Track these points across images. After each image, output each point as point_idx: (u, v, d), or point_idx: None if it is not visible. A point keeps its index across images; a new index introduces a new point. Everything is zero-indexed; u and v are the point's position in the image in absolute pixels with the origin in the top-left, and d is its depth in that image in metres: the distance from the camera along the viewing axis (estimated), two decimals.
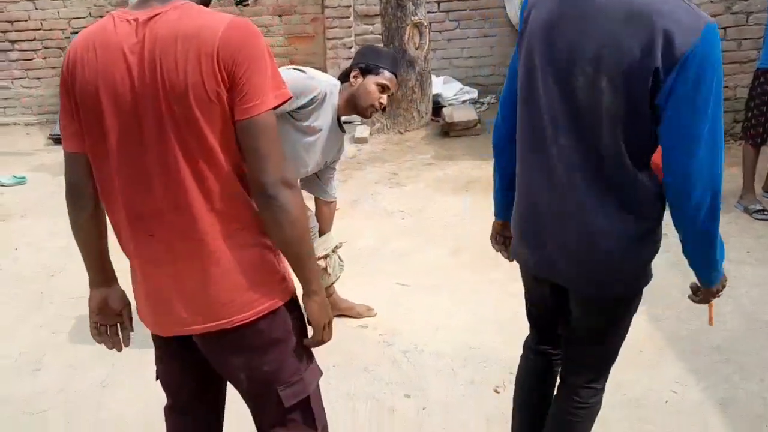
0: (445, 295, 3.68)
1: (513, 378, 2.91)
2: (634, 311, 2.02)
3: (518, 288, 3.70)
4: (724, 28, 5.35)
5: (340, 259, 3.40)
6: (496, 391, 2.87)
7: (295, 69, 2.88)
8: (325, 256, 3.30)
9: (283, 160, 1.52)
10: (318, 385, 1.78)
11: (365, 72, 2.96)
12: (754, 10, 5.33)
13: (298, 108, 2.82)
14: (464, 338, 3.25)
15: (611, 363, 2.09)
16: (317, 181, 3.28)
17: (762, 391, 2.80)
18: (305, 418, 1.74)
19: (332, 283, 3.39)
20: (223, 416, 1.93)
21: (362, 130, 6.52)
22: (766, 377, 2.88)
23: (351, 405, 2.78)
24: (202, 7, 1.55)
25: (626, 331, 2.07)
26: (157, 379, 1.85)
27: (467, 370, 3.01)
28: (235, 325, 1.59)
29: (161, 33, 1.46)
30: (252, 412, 1.78)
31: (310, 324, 1.70)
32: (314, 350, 2.91)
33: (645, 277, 1.96)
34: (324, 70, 7.64)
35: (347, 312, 3.46)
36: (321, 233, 3.35)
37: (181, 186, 1.51)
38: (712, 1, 5.32)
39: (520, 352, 3.10)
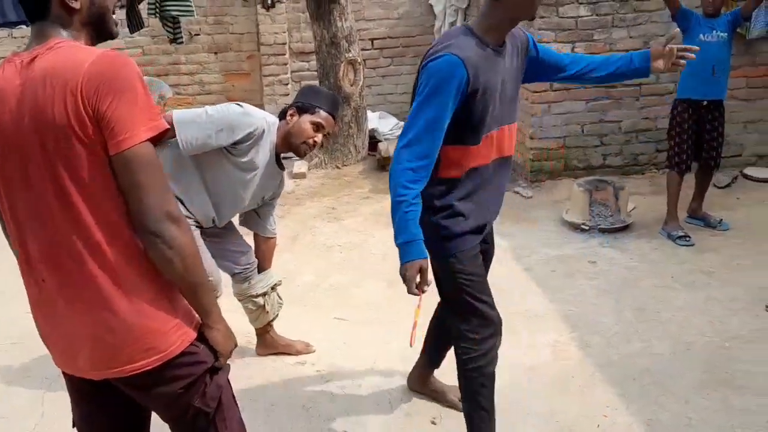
0: (383, 327, 3.70)
1: (449, 410, 2.97)
2: (451, 274, 2.44)
3: None
4: None
5: (279, 297, 3.40)
6: (433, 423, 2.90)
7: (235, 104, 2.91)
8: (264, 294, 3.29)
9: (166, 193, 1.49)
10: (228, 380, 1.78)
11: (301, 110, 3.00)
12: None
13: (235, 143, 2.84)
14: (401, 370, 3.26)
15: (456, 311, 2.52)
16: (256, 218, 3.28)
17: (687, 411, 2.90)
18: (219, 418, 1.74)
19: (270, 321, 3.38)
20: None
21: (300, 165, 6.54)
22: (691, 398, 2.99)
23: None
24: (77, 44, 1.51)
25: (455, 289, 2.46)
26: (73, 426, 1.79)
27: (404, 402, 3.03)
28: (128, 374, 1.56)
29: (36, 74, 1.44)
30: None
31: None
32: (253, 389, 2.91)
33: (439, 242, 2.39)
34: (261, 106, 7.66)
35: (286, 350, 3.44)
36: (260, 270, 3.34)
37: (66, 232, 1.48)
38: (631, 37, 5.56)
39: (455, 380, 3.16)
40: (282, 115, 3.07)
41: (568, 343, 3.47)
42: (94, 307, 1.52)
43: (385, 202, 5.70)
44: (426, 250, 2.24)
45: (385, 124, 7.33)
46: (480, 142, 2.33)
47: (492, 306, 2.55)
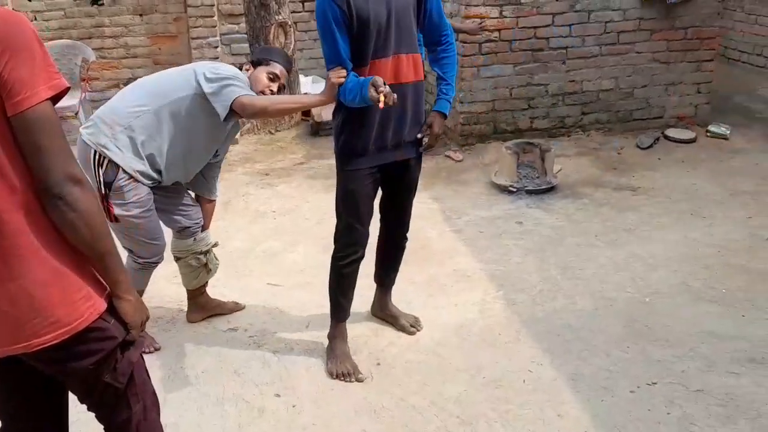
0: (316, 292, 3.71)
1: (379, 366, 3.04)
2: (339, 184, 2.95)
3: None
4: (569, 25, 5.71)
5: (215, 257, 3.39)
6: (358, 380, 2.96)
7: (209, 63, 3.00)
8: (206, 252, 3.29)
9: (68, 155, 1.44)
10: (141, 356, 1.76)
11: (256, 64, 3.10)
12: (594, 8, 5.71)
13: None
14: None
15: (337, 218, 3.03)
16: (202, 180, 3.28)
17: (608, 364, 3.04)
18: (130, 393, 1.74)
19: (206, 281, 3.40)
20: (67, 427, 1.85)
21: None
22: (612, 352, 3.13)
23: (220, 410, 2.78)
24: None
25: (339, 198, 2.97)
26: None
27: None
28: (34, 349, 1.50)
29: None
30: (94, 410, 1.77)
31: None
32: (184, 355, 2.90)
33: (339, 156, 2.91)
34: None
35: (217, 310, 3.46)
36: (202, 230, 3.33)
37: None
38: (557, 0, 5.65)
39: (388, 340, 3.24)
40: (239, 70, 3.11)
41: (495, 302, 3.57)
42: (4, 270, 1.46)
43: (319, 168, 5.71)
44: (366, 85, 2.58)
45: (318, 88, 7.23)
46: (367, 64, 2.72)
47: (358, 229, 2.98)
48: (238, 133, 6.38)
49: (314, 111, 6.66)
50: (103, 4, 5.89)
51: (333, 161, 5.72)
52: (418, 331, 3.33)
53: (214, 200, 3.39)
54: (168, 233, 3.22)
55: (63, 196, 1.43)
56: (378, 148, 2.85)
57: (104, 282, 1.60)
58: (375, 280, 3.41)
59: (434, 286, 3.76)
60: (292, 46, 6.61)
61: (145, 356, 2.98)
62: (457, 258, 4.07)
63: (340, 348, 3.07)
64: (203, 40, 7.51)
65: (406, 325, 3.32)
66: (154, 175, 2.95)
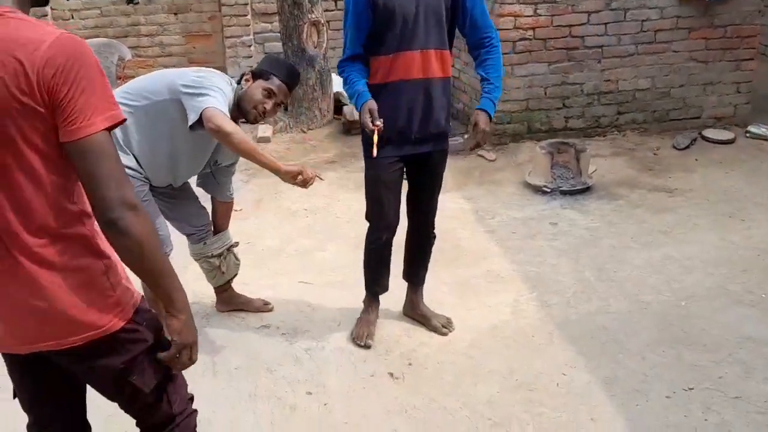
0: (348, 290, 3.72)
1: (411, 367, 3.03)
2: (369, 172, 3.12)
3: None
4: (605, 24, 5.64)
5: (236, 257, 3.42)
6: (391, 375, 2.96)
7: (196, 71, 2.90)
8: (220, 255, 3.31)
9: (123, 181, 1.48)
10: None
11: (256, 76, 3.00)
12: (631, 6, 5.64)
13: None
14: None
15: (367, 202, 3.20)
16: (213, 182, 3.29)
17: (643, 368, 3.00)
18: (163, 396, 1.75)
19: (228, 281, 3.41)
20: (89, 428, 1.88)
21: (265, 130, 6.48)
22: (647, 355, 3.08)
23: (253, 406, 2.80)
24: (26, 17, 1.46)
25: (366, 184, 3.16)
26: (14, 397, 1.78)
27: (368, 363, 3.08)
28: (65, 347, 1.55)
29: None
30: (124, 409, 1.78)
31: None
32: (216, 352, 2.91)
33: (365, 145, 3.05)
34: (223, 68, 7.56)
35: (244, 306, 3.49)
36: (217, 231, 3.35)
37: (6, 213, 1.46)
38: None
39: (420, 340, 3.23)
40: (239, 80, 3.06)
41: (528, 303, 3.54)
42: (31, 282, 1.50)
43: (351, 166, 5.72)
44: (369, 95, 2.85)
45: None
46: (391, 53, 2.89)
47: (386, 214, 3.13)
48: (270, 132, 6.43)
49: (346, 110, 6.67)
50: (138, 3, 5.98)
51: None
52: (450, 332, 3.31)
53: (229, 202, 3.37)
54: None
55: (117, 222, 1.46)
56: (402, 139, 2.98)
57: (159, 300, 1.62)
58: (404, 278, 3.42)
59: (466, 287, 3.74)
60: (324, 45, 6.63)
61: None
62: (489, 259, 4.05)
63: (365, 316, 3.33)
64: (237, 38, 7.60)
65: (438, 326, 3.32)
66: (142, 171, 2.91)
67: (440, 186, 3.24)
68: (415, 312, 3.41)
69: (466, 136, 2.89)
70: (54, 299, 1.52)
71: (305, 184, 2.92)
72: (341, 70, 2.98)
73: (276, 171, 2.87)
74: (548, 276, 3.81)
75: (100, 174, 1.44)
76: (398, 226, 3.22)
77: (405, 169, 3.12)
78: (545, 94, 5.76)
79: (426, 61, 2.90)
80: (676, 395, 2.82)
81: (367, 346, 3.18)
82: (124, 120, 1.52)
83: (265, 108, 2.95)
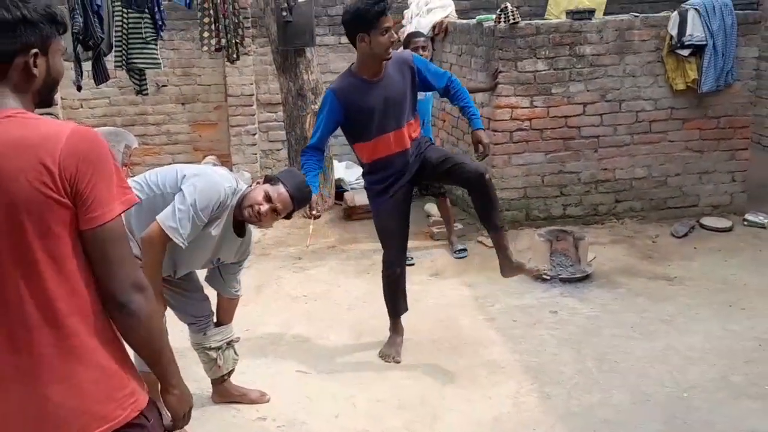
0: (347, 380, 3.69)
1: None
2: (375, 220, 3.95)
3: (419, 369, 3.81)
4: (601, 115, 5.79)
5: (235, 353, 3.38)
6: (395, 362, 2.89)
7: (204, 178, 2.90)
8: (218, 348, 3.28)
9: (133, 263, 1.54)
10: None
11: (266, 180, 3.03)
12: (626, 98, 5.79)
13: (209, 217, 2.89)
14: (365, 425, 3.26)
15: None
16: (219, 279, 3.29)
17: None
18: None
19: (223, 375, 3.37)
20: None
21: None
22: None
23: None
24: (34, 115, 1.52)
25: (378, 232, 3.94)
26: None
27: None
28: None
29: None
30: None
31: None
32: None
33: (370, 200, 3.99)
34: (228, 156, 7.71)
35: (240, 399, 3.43)
36: (220, 323, 3.33)
37: (14, 298, 1.47)
38: (588, 90, 5.74)
39: None
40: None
41: (529, 394, 3.49)
42: (38, 378, 1.49)
43: (351, 252, 5.75)
44: (316, 189, 3.60)
45: (351, 173, 7.39)
46: (371, 140, 3.65)
47: (392, 248, 3.87)
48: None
49: (347, 196, 6.76)
50: (147, 94, 6.14)
51: (365, 246, 5.82)
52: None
53: (235, 298, 3.36)
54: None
55: (127, 304, 1.51)
56: (392, 186, 3.74)
57: (157, 377, 1.67)
58: (489, 234, 3.96)
59: (468, 377, 3.70)
60: None
61: None
62: (490, 348, 4.02)
63: (392, 337, 3.97)
64: (242, 127, 7.77)
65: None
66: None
67: (450, 153, 4.05)
68: (509, 267, 3.87)
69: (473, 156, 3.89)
70: (76, 391, 1.51)
71: None
72: (303, 154, 3.78)
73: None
74: (549, 366, 3.77)
75: (114, 258, 1.50)
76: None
77: (411, 188, 3.87)
78: (543, 182, 5.85)
79: (399, 138, 3.68)
80: None
81: (396, 362, 3.83)
82: (138, 202, 1.59)
83: (259, 210, 2.89)
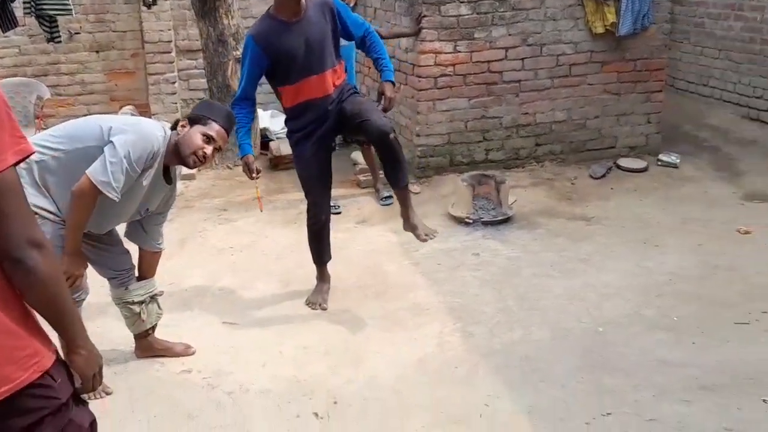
0: (273, 329, 3.70)
1: (336, 405, 3.02)
2: (297, 169, 3.93)
3: (346, 315, 3.85)
4: (522, 59, 5.84)
5: (159, 307, 3.33)
6: (316, 414, 2.95)
7: (132, 127, 2.82)
8: (142, 302, 3.22)
9: (30, 219, 1.46)
10: (92, 423, 1.72)
11: (193, 122, 2.97)
12: (547, 41, 5.85)
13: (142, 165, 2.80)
14: (291, 371, 3.29)
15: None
16: (142, 232, 3.21)
17: (564, 396, 3.06)
18: None
19: (147, 330, 3.32)
20: None
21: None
22: (568, 383, 3.15)
23: None
24: None
25: (300, 180, 3.94)
26: None
27: (293, 404, 3.04)
28: None
29: None
30: None
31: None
32: (135, 399, 2.85)
33: (292, 147, 3.93)
34: (147, 105, 7.45)
35: (165, 353, 3.39)
36: (141, 278, 3.27)
37: None
38: (510, 34, 5.76)
39: (346, 377, 3.22)
40: (174, 126, 3.03)
41: (453, 334, 3.58)
42: None
43: (278, 202, 5.70)
44: (250, 149, 3.74)
45: (276, 122, 7.26)
46: (293, 83, 3.62)
47: (315, 195, 3.85)
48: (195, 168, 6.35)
49: (272, 145, 6.66)
50: (60, 41, 5.83)
51: (292, 196, 5.78)
52: (431, 239, 3.84)
53: (158, 251, 3.30)
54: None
55: (23, 260, 1.43)
56: (313, 134, 3.72)
57: (61, 338, 1.61)
58: (392, 188, 3.95)
59: (393, 320, 3.76)
60: None
61: (97, 401, 2.96)
62: (415, 291, 4.09)
63: (319, 285, 4.02)
64: (161, 75, 7.50)
65: (421, 234, 3.79)
66: (60, 214, 2.82)
67: (368, 103, 3.82)
68: (407, 224, 3.83)
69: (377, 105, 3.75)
70: None
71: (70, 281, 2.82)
72: (232, 108, 3.60)
73: (66, 249, 2.79)
74: (472, 306, 3.87)
75: (8, 212, 1.41)
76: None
77: (332, 135, 3.90)
78: (466, 127, 5.90)
79: (322, 83, 3.64)
80: (596, 421, 2.89)
81: (323, 309, 3.88)
82: (33, 153, 1.49)
83: (205, 153, 2.92)
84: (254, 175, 3.70)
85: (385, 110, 3.69)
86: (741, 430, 2.81)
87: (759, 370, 3.20)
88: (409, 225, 3.82)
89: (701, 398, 3.00)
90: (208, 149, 2.94)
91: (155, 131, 2.88)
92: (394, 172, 3.74)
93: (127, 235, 3.26)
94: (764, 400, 2.99)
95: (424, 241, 3.83)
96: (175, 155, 2.96)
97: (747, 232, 4.75)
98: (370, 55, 3.82)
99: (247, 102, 3.69)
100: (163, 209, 3.20)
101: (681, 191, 5.60)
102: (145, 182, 2.89)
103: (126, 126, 2.82)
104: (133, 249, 3.30)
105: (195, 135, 2.92)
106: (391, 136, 3.61)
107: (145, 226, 3.19)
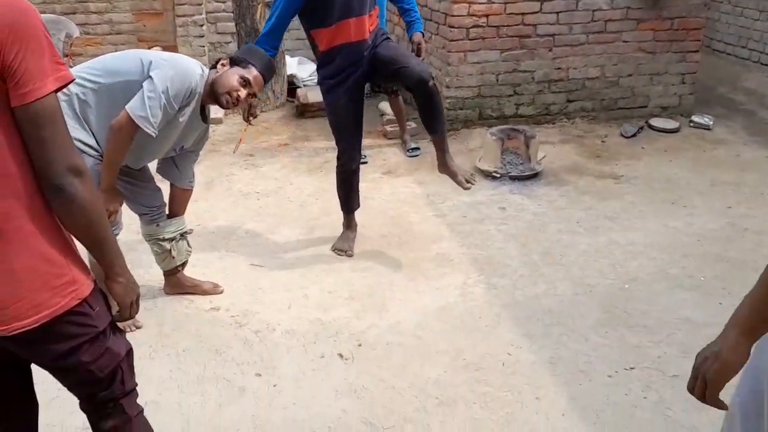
0: (299, 273, 3.74)
1: (360, 348, 3.07)
2: (328, 114, 3.90)
3: (370, 262, 3.88)
4: (557, 13, 5.72)
5: (188, 244, 3.37)
6: (341, 356, 2.99)
7: (169, 64, 2.81)
8: (172, 239, 3.26)
9: (70, 146, 1.47)
10: (129, 352, 1.77)
11: (234, 63, 2.98)
12: None
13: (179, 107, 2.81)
14: (316, 314, 3.33)
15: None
16: (174, 168, 3.24)
17: (586, 349, 3.08)
18: (116, 382, 1.74)
19: (176, 266, 3.37)
20: (37, 405, 1.84)
21: (216, 110, 6.39)
22: (590, 337, 3.16)
23: (201, 388, 2.79)
24: None
25: (331, 126, 3.90)
26: None
27: (318, 345, 3.09)
28: (14, 332, 1.49)
29: None
30: (70, 390, 1.75)
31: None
32: (164, 334, 2.92)
33: (323, 93, 3.85)
34: (174, 47, 7.40)
35: (193, 290, 3.45)
36: (173, 216, 3.30)
37: None
38: None
39: (370, 321, 3.26)
40: (214, 65, 3.02)
41: (476, 285, 3.60)
42: None
43: (304, 149, 5.70)
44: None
45: (303, 69, 7.23)
46: (332, 25, 3.51)
47: (346, 142, 3.83)
48: (222, 112, 6.35)
49: (300, 92, 6.64)
50: None
51: (318, 144, 5.78)
52: (473, 185, 3.81)
53: (189, 189, 3.33)
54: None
55: (64, 187, 1.45)
56: (347, 79, 3.65)
57: (100, 265, 1.63)
58: (429, 134, 3.84)
59: (417, 270, 3.78)
60: None
61: (127, 334, 3.02)
62: (439, 242, 4.09)
63: (345, 232, 4.04)
64: (188, 17, 7.45)
65: (462, 181, 3.77)
66: (99, 148, 2.84)
67: (403, 49, 3.92)
68: (444, 168, 3.82)
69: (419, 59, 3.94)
70: (10, 277, 1.46)
71: (109, 214, 2.82)
72: (259, 39, 3.55)
73: (102, 185, 2.80)
74: (496, 259, 3.87)
75: (49, 138, 1.42)
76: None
77: (365, 82, 3.80)
78: (497, 80, 5.82)
79: (360, 26, 3.55)
80: (618, 374, 2.91)
81: (348, 256, 3.90)
82: (73, 80, 1.50)
83: (239, 96, 2.94)
84: (252, 115, 3.58)
85: (419, 54, 3.80)
86: None
87: None
88: (449, 171, 3.79)
89: None
90: (243, 92, 2.95)
91: (194, 68, 2.88)
92: (431, 119, 3.70)
93: (160, 171, 3.28)
94: None
95: (466, 187, 3.78)
96: (211, 93, 2.97)
97: None
98: (401, 4, 3.80)
99: (272, 40, 3.52)
100: (196, 147, 3.22)
101: (712, 153, 5.52)
102: (182, 119, 2.90)
103: (165, 61, 2.82)
104: (164, 187, 3.33)
105: (233, 76, 2.93)
106: (431, 83, 3.57)
107: (177, 163, 3.21)
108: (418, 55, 3.80)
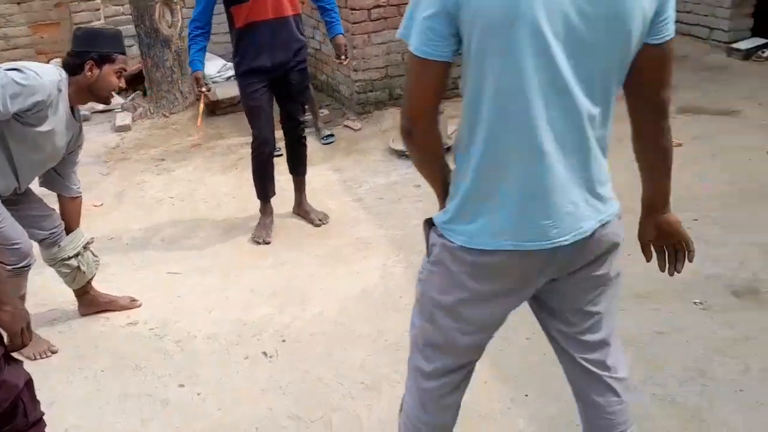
0: (217, 276, 3.70)
1: (284, 343, 3.07)
2: (244, 100, 3.99)
3: (290, 255, 3.87)
4: None
5: (93, 254, 3.27)
6: (265, 354, 2.98)
7: (11, 69, 2.69)
8: (76, 255, 3.17)
9: None
10: (28, 382, 1.75)
11: (100, 62, 2.88)
12: None
13: (24, 111, 2.68)
14: (238, 315, 3.31)
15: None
16: (57, 177, 3.13)
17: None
18: (18, 415, 1.71)
19: (89, 281, 3.29)
20: None
21: (124, 117, 6.23)
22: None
23: (122, 406, 2.73)
24: None
25: (246, 112, 4.06)
26: None
27: (240, 346, 3.07)
28: None
29: None
30: None
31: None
32: (81, 356, 2.86)
33: (238, 78, 3.96)
34: None
35: (109, 306, 3.37)
36: (68, 231, 3.20)
37: None
38: None
39: (293, 315, 3.27)
40: (73, 69, 2.89)
41: (395, 266, 3.63)
42: None
43: (217, 148, 5.62)
44: (201, 66, 3.84)
45: (212, 66, 7.08)
46: (248, 0, 3.59)
47: (261, 127, 3.90)
48: (130, 119, 6.20)
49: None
50: None
51: (231, 141, 5.71)
52: (325, 224, 4.11)
53: (78, 196, 3.22)
54: None
55: None
56: (263, 70, 3.77)
57: None
58: (290, 173, 4.21)
59: (336, 257, 3.79)
60: (179, 24, 6.42)
61: (43, 360, 2.95)
62: (358, 227, 4.11)
63: (262, 218, 4.10)
64: (87, 24, 7.22)
65: (315, 219, 4.12)
66: None
67: (302, 99, 4.13)
68: (300, 209, 4.20)
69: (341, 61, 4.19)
70: None
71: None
72: (190, 25, 3.77)
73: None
74: (414, 237, 3.89)
75: None
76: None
77: (274, 91, 3.90)
78: (403, 59, 5.81)
79: (277, 3, 3.65)
80: (535, 336, 2.97)
81: (266, 243, 3.95)
82: None
83: (120, 87, 3.02)
84: (202, 89, 3.88)
85: (345, 55, 4.08)
86: (671, 332, 2.94)
87: (692, 275, 3.30)
88: (303, 211, 4.19)
89: (634, 305, 3.09)
90: (123, 81, 3.01)
91: (43, 74, 2.73)
92: (296, 163, 4.17)
93: (44, 185, 3.17)
94: (695, 303, 3.12)
95: (317, 225, 4.11)
96: (89, 96, 2.96)
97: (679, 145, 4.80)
98: (321, 3, 3.97)
99: (202, 21, 3.73)
100: (74, 148, 3.11)
101: None
102: (57, 128, 2.83)
103: (17, 68, 2.68)
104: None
105: (110, 77, 2.92)
106: (304, 137, 4.12)
107: (60, 172, 3.11)
108: (345, 56, 4.06)
